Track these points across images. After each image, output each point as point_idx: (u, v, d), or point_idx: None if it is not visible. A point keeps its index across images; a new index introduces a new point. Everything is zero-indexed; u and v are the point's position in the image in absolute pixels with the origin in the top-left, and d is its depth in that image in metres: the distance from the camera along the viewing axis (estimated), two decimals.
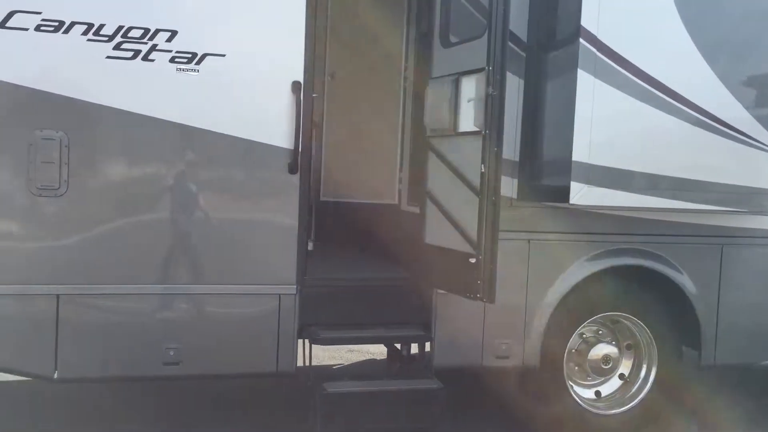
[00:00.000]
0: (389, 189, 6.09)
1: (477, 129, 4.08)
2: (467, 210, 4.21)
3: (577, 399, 5.15)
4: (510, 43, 4.63)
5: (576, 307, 4.99)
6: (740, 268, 5.18)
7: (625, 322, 5.23)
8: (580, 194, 4.31)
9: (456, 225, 4.35)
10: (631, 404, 5.21)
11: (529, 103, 4.67)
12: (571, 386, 5.17)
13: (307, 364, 4.61)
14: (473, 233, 4.15)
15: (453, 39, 4.58)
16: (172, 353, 4.28)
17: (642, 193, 4.44)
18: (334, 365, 6.67)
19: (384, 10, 6.01)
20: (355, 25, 6.40)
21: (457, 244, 4.32)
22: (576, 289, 4.92)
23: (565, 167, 4.30)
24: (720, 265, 5.15)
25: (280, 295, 4.41)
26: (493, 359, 4.84)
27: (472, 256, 4.15)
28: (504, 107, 4.04)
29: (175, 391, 5.69)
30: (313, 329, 4.56)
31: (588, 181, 4.29)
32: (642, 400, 5.21)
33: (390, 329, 4.74)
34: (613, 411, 5.21)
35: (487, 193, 4.05)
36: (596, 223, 4.88)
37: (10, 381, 5.50)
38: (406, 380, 4.72)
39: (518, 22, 4.66)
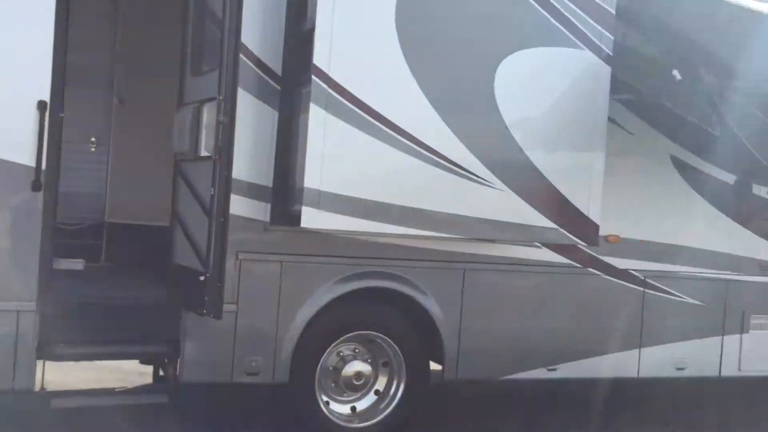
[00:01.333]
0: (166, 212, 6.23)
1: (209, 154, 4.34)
2: (203, 230, 4.43)
3: (329, 415, 5.39)
4: (265, 77, 4.98)
5: (326, 327, 5.27)
6: (480, 291, 5.67)
7: (379, 341, 5.59)
8: (310, 218, 4.62)
9: (193, 245, 4.56)
10: (378, 418, 5.54)
11: (281, 133, 4.97)
12: (327, 402, 5.45)
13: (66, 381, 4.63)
14: (205, 252, 4.37)
15: (205, 68, 4.84)
16: None
17: (371, 219, 4.81)
18: (117, 388, 6.65)
19: (169, 35, 6.19)
20: (146, 50, 6.55)
21: (194, 263, 4.52)
22: (325, 309, 5.22)
23: (300, 193, 4.61)
24: (462, 289, 5.62)
25: (18, 311, 4.44)
26: (243, 375, 5.04)
27: (203, 274, 4.37)
28: (233, 134, 4.31)
29: None
30: (53, 346, 4.60)
31: (318, 206, 4.61)
32: (389, 414, 5.55)
33: (133, 346, 4.86)
34: (363, 425, 5.52)
35: (216, 214, 4.29)
36: (346, 247, 5.21)
37: None
38: (133, 395, 4.83)
39: (274, 57, 4.98)
